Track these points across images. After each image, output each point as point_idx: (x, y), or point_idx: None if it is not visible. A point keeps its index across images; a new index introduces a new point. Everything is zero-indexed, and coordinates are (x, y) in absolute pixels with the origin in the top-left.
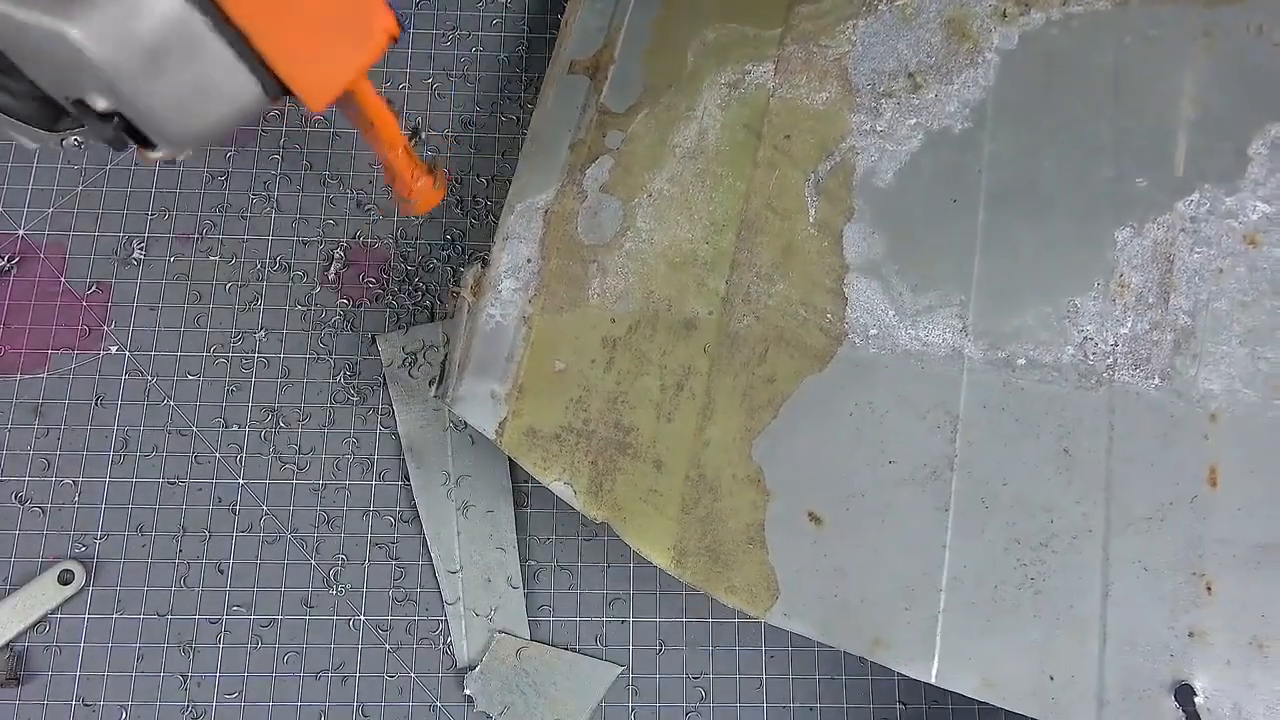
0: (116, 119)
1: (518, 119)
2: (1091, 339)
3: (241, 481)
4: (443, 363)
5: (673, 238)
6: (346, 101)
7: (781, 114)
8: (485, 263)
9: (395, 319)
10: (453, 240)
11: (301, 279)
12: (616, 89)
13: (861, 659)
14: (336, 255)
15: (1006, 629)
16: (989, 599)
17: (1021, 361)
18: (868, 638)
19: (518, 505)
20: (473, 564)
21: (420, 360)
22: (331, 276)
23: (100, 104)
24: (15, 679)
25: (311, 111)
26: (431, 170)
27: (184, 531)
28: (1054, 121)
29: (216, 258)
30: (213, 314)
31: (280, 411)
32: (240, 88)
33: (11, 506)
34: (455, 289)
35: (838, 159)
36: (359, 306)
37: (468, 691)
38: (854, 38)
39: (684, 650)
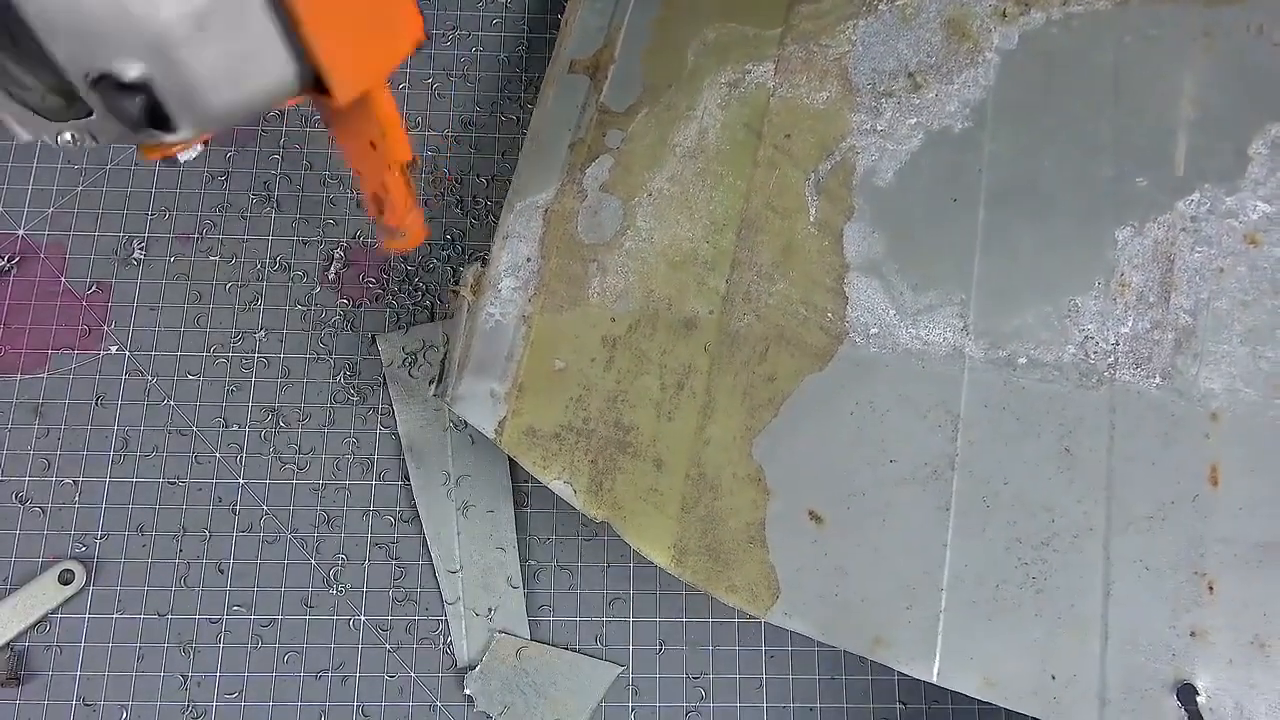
0: (142, 96)
1: (518, 119)
2: (1092, 338)
3: (241, 481)
4: (442, 361)
5: (673, 237)
6: (358, 107)
7: (782, 113)
8: (485, 262)
9: (395, 319)
10: (453, 240)
11: (301, 279)
12: (616, 88)
13: (861, 659)
14: (336, 255)
15: (1008, 628)
16: (990, 598)
17: (1022, 360)
18: (869, 637)
19: (518, 505)
20: (473, 564)
21: (420, 360)
22: (331, 276)
23: (132, 72)
24: (15, 679)
25: (335, 103)
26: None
27: (184, 531)
28: (1054, 121)
29: (216, 258)
30: (213, 314)
31: (280, 411)
32: (277, 68)
33: (11, 506)
34: (455, 288)
35: (838, 158)
36: (359, 306)
37: (468, 691)
38: (854, 37)
39: (684, 650)
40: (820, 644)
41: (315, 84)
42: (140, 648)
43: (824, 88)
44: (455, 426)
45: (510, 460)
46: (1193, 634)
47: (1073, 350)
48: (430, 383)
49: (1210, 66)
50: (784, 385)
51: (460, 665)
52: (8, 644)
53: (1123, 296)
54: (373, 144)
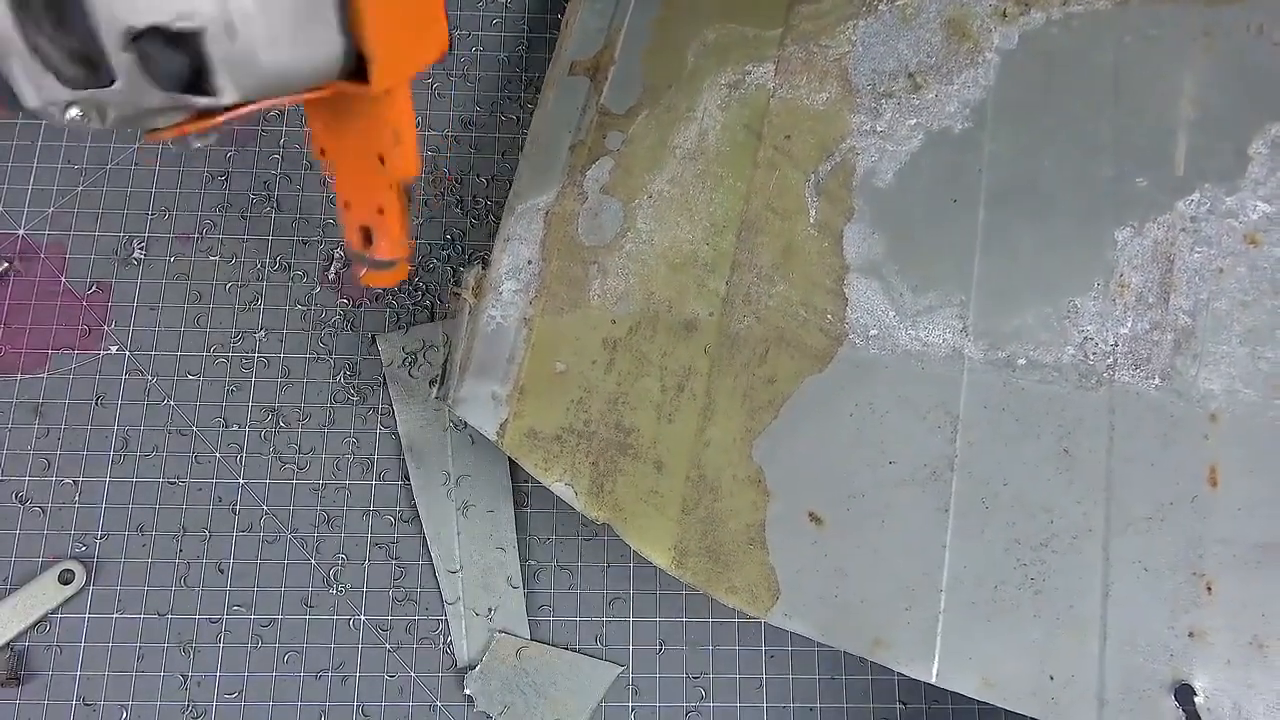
0: (187, 53)
1: (518, 119)
2: (1092, 339)
3: (241, 481)
4: (443, 364)
5: (673, 239)
6: (373, 113)
7: (782, 114)
8: (486, 264)
9: (395, 319)
10: (453, 240)
11: (301, 279)
12: (617, 90)
13: (861, 659)
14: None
15: (1007, 629)
16: (989, 599)
17: (1022, 362)
18: (868, 638)
19: (518, 505)
20: (473, 564)
21: (420, 360)
22: (331, 276)
23: (191, 21)
24: (15, 679)
25: (371, 90)
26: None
27: (184, 531)
28: (1054, 121)
29: (216, 258)
30: (213, 314)
31: (280, 411)
32: (327, 42)
33: (12, 506)
34: (456, 290)
35: (838, 159)
36: (359, 306)
37: (468, 691)
38: (854, 38)
39: (684, 650)
40: (820, 644)
41: (350, 75)
42: (140, 648)
43: (824, 88)
44: (455, 426)
45: (510, 460)
46: (1191, 635)
47: (1072, 351)
48: (431, 384)
49: (1210, 66)
50: (784, 387)
51: (460, 665)
52: (8, 644)
53: (1122, 297)
54: (381, 158)
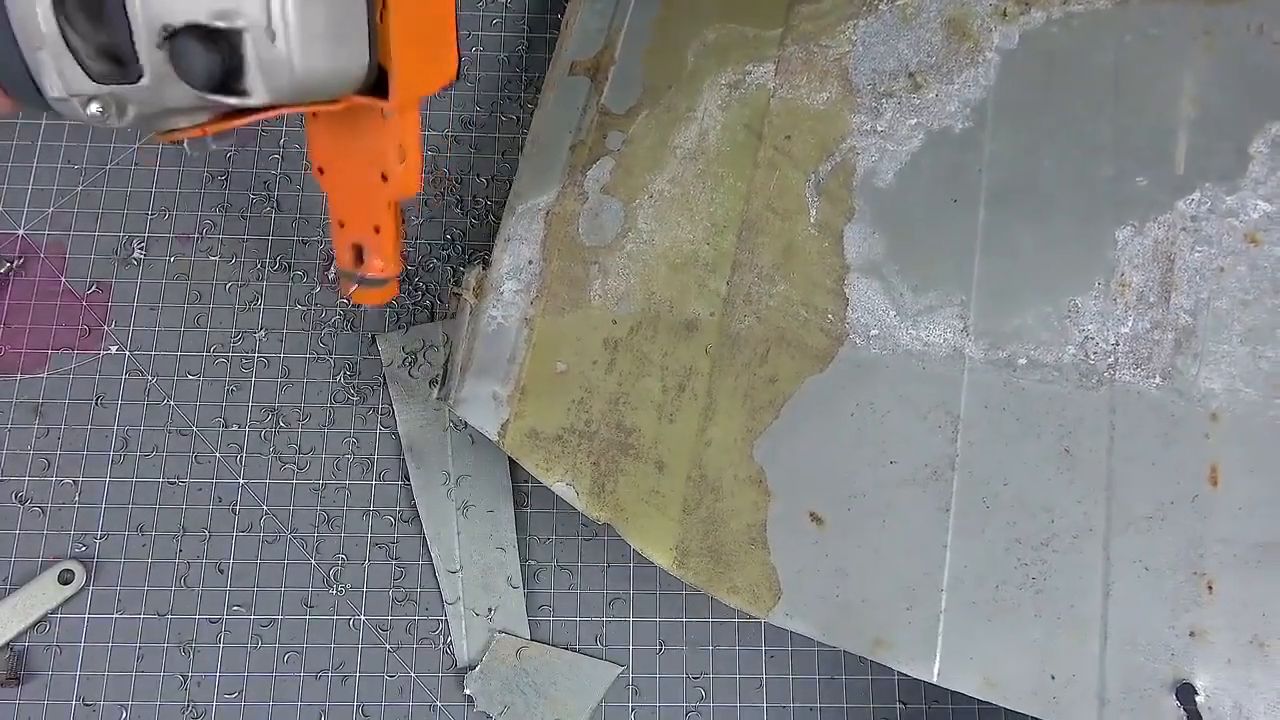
0: (222, 52)
1: (518, 119)
2: (1092, 338)
3: (241, 481)
4: (444, 364)
5: (674, 239)
6: (382, 128)
7: (782, 114)
8: (486, 264)
9: (395, 319)
10: (453, 240)
11: (301, 279)
12: (617, 90)
13: (861, 659)
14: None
15: (1008, 628)
16: (990, 599)
17: (1022, 361)
18: (869, 638)
19: (518, 505)
20: (473, 564)
21: (420, 360)
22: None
23: (232, 20)
24: (15, 679)
25: (392, 105)
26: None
27: (184, 531)
28: (1054, 121)
29: (216, 258)
30: (213, 314)
31: (280, 411)
32: (355, 53)
33: (11, 506)
34: (456, 290)
35: (838, 159)
36: (359, 306)
37: (468, 691)
38: (854, 38)
39: (684, 650)
40: (820, 644)
41: (369, 90)
42: (140, 648)
43: (824, 88)
44: (455, 426)
45: (510, 460)
46: (1192, 634)
47: (1073, 351)
48: (431, 384)
49: (1211, 65)
50: (785, 387)
51: (460, 665)
52: (8, 644)
53: (1123, 296)
54: (384, 176)
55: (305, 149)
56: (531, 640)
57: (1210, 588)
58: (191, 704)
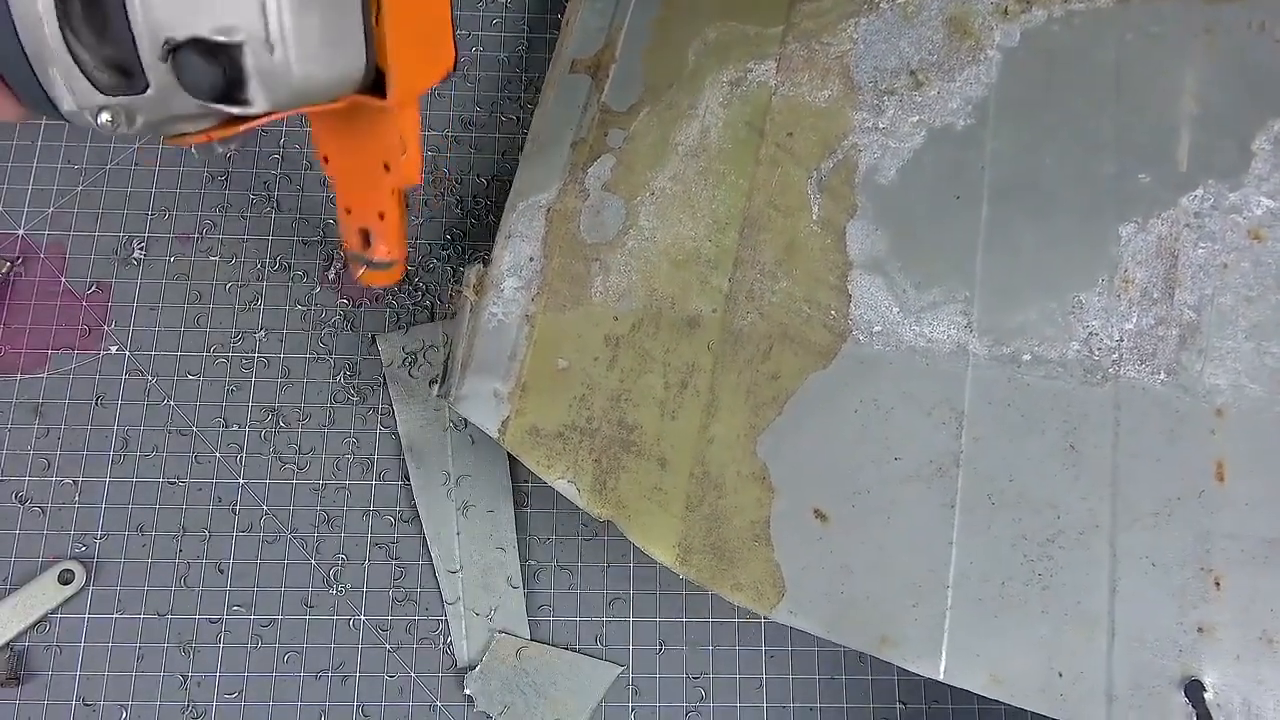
0: (224, 65)
1: (518, 119)
2: (1096, 334)
3: (241, 481)
4: (444, 361)
5: (675, 235)
6: (383, 123)
7: (784, 112)
8: (487, 261)
9: (395, 319)
10: (453, 240)
11: (301, 279)
12: (618, 88)
13: (861, 658)
14: (336, 255)
15: (1014, 625)
16: (996, 595)
17: (1026, 357)
18: (875, 635)
19: (518, 505)
20: (473, 564)
21: (420, 360)
22: (331, 276)
23: (230, 35)
24: (15, 679)
25: (390, 103)
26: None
27: (184, 531)
28: (1056, 118)
29: (216, 258)
30: (213, 314)
31: (280, 411)
32: (352, 56)
33: (11, 506)
34: (457, 288)
35: (840, 156)
36: (359, 306)
37: (468, 691)
38: (855, 35)
39: (684, 650)
40: (820, 644)
41: (368, 89)
42: (140, 648)
43: (826, 86)
44: (455, 426)
45: (510, 460)
46: (1200, 630)
47: (1077, 347)
48: (432, 383)
49: (1212, 63)
50: (788, 383)
51: (460, 665)
52: (8, 644)
53: (1126, 293)
54: (386, 166)
55: (306, 147)
56: (531, 640)
57: (1218, 584)
58: (191, 704)
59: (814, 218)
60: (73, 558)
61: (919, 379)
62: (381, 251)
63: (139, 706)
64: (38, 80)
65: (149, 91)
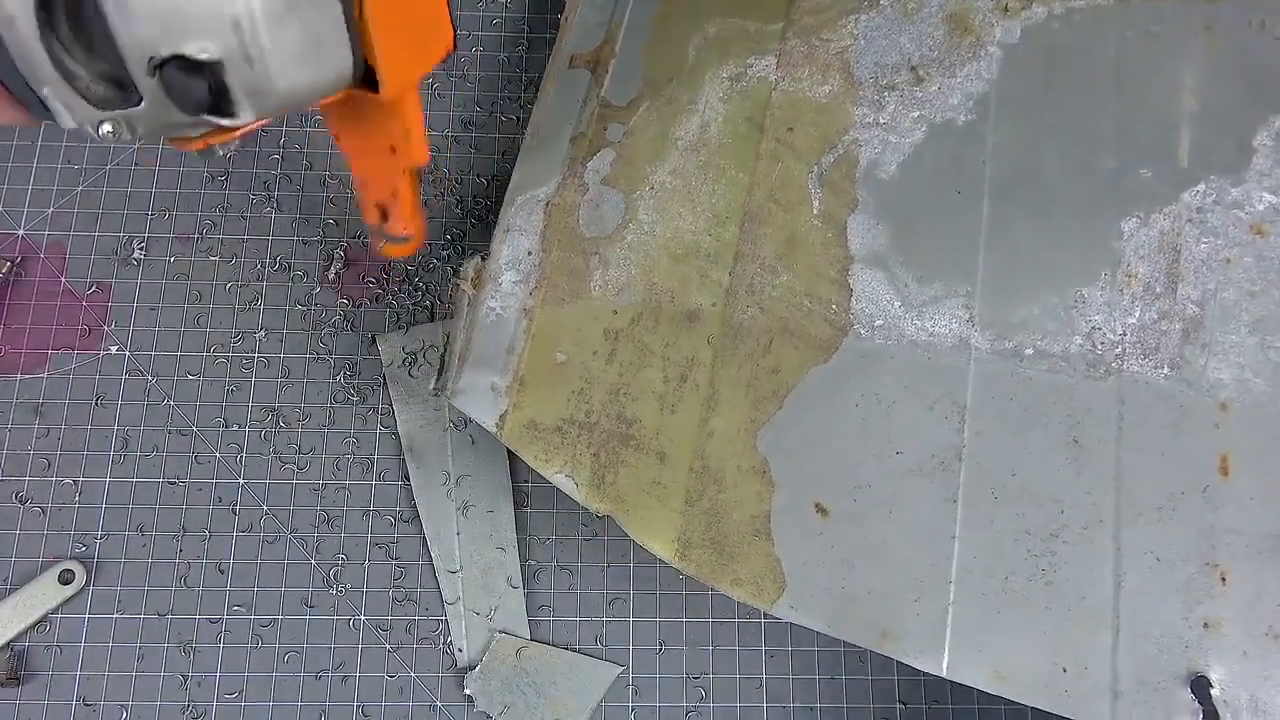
0: (208, 79)
1: (518, 119)
2: (1099, 329)
3: (241, 481)
4: (442, 355)
5: (675, 230)
6: (384, 110)
7: (784, 107)
8: (485, 255)
9: (395, 319)
10: (453, 240)
11: (301, 279)
12: (618, 82)
13: (861, 658)
14: (336, 255)
15: (1017, 621)
16: (999, 590)
17: (1029, 352)
18: (876, 630)
19: (518, 505)
20: (473, 564)
21: (420, 360)
22: (331, 276)
23: (208, 53)
24: (15, 679)
25: (382, 97)
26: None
27: (184, 531)
28: (1057, 114)
29: (216, 258)
30: (213, 314)
31: (280, 411)
32: (338, 57)
33: (11, 506)
34: (455, 281)
35: (841, 151)
36: (359, 306)
37: (468, 691)
38: (856, 32)
39: (684, 650)
40: (821, 644)
41: (360, 81)
42: (140, 648)
43: (826, 81)
44: (455, 426)
45: (510, 460)
46: (1206, 625)
47: (1079, 341)
48: (431, 377)
49: (1212, 61)
50: (788, 377)
51: (460, 665)
52: (8, 644)
53: (1129, 287)
54: (393, 148)
55: (306, 147)
56: (531, 640)
57: (1224, 579)
58: (191, 704)
59: (815, 212)
60: (73, 558)
61: (920, 373)
62: (398, 227)
63: (139, 706)
64: (37, 96)
65: (143, 105)
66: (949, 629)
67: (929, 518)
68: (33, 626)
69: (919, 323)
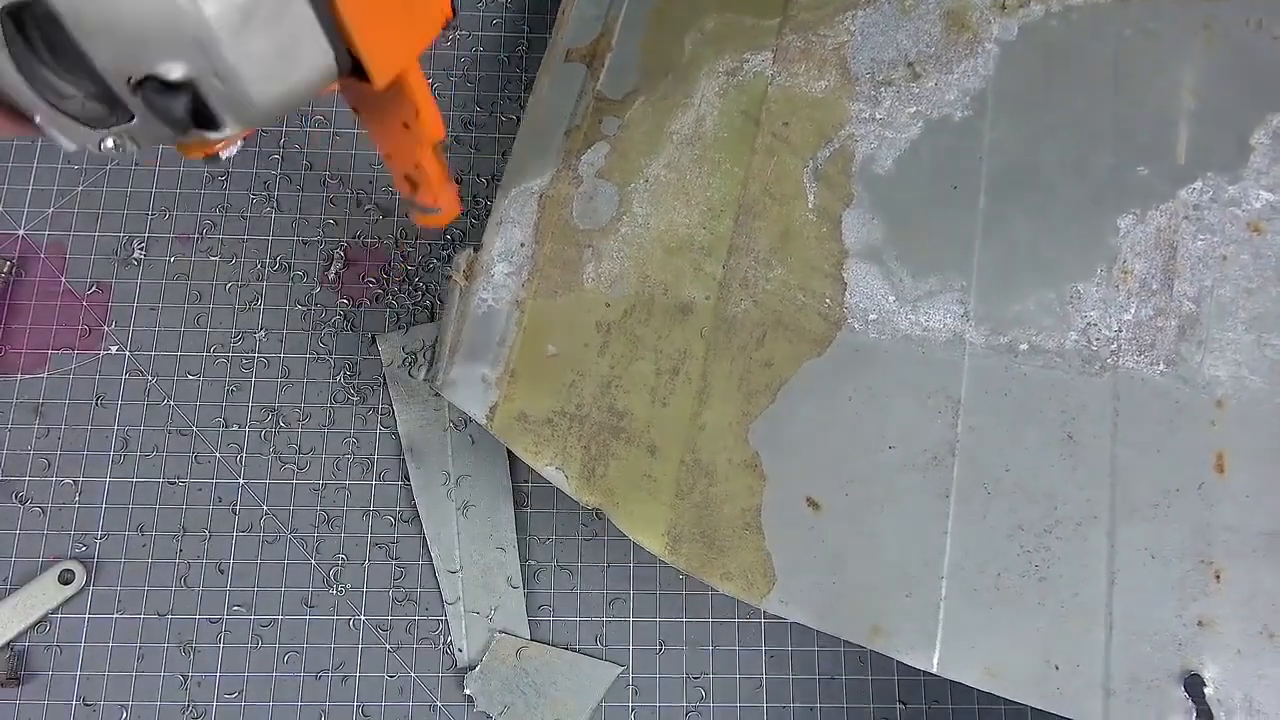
0: (187, 96)
1: (518, 119)
2: (1095, 325)
3: (241, 481)
4: (433, 346)
5: (669, 223)
6: (391, 89)
7: (780, 101)
8: (478, 247)
9: (395, 319)
10: (453, 240)
11: (301, 279)
12: (613, 76)
13: (861, 659)
14: (336, 255)
15: (1010, 617)
16: (991, 586)
17: (1024, 347)
18: (867, 625)
19: (518, 505)
20: (473, 564)
21: (420, 360)
22: (331, 276)
23: (177, 72)
24: (15, 679)
25: (374, 87)
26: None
27: (184, 531)
28: (1054, 111)
29: (216, 258)
30: (213, 314)
31: (280, 411)
32: (317, 56)
33: (11, 506)
34: (447, 273)
35: (837, 146)
36: (359, 306)
37: (468, 691)
38: (853, 28)
39: (684, 650)
40: (821, 644)
41: (352, 70)
42: (140, 648)
43: (823, 76)
44: (455, 426)
45: (510, 460)
46: (1200, 624)
47: (1075, 337)
48: (422, 368)
49: (1210, 59)
50: (781, 371)
51: (460, 665)
52: (8, 644)
53: (1125, 283)
54: (406, 125)
55: (306, 147)
56: (531, 640)
57: (1218, 577)
58: (191, 704)
59: (809, 206)
60: (73, 558)
61: (914, 367)
62: (427, 199)
63: (139, 706)
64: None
65: (135, 121)
66: (940, 625)
67: (921, 513)
68: (33, 626)
69: (913, 317)
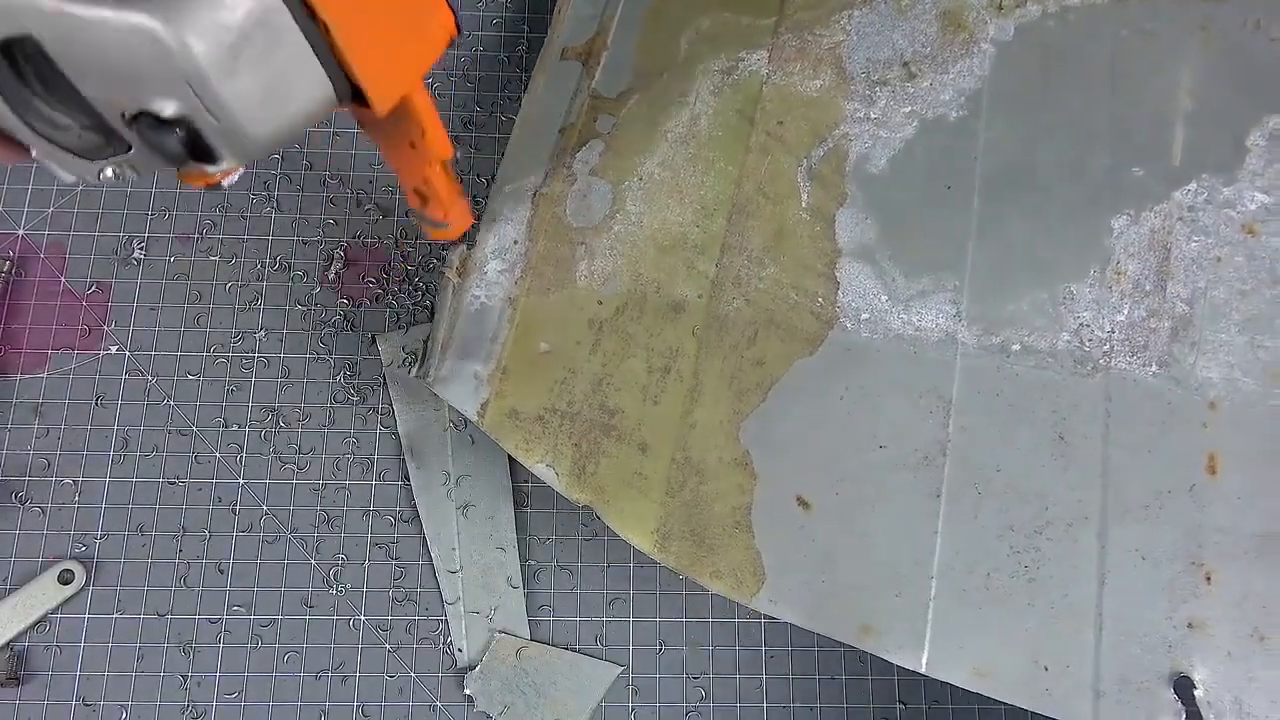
0: (182, 130)
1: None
2: (1087, 325)
3: (241, 481)
4: (425, 342)
5: (662, 221)
6: (397, 111)
7: (775, 100)
8: (471, 244)
9: (395, 319)
10: (453, 240)
11: (301, 279)
12: (608, 75)
13: (861, 659)
14: (336, 255)
15: (999, 618)
16: (981, 587)
17: (1016, 347)
18: (856, 625)
19: (518, 505)
20: (473, 564)
21: (413, 356)
22: (331, 276)
23: (169, 110)
24: (15, 679)
25: (376, 114)
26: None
27: (184, 531)
28: (1050, 111)
29: (216, 258)
30: (213, 314)
31: (280, 411)
32: (313, 87)
33: (11, 506)
34: (440, 269)
35: (831, 145)
36: (359, 306)
37: (468, 691)
38: (849, 27)
39: (684, 650)
40: (821, 644)
41: (353, 96)
42: (140, 648)
43: (818, 76)
44: (455, 426)
45: (510, 460)
46: (1190, 625)
47: (1067, 337)
48: (414, 364)
49: (1207, 60)
50: (773, 369)
51: (460, 665)
52: (8, 644)
53: (1118, 284)
54: (412, 144)
55: (306, 147)
56: (531, 640)
57: (1209, 578)
58: (191, 704)
59: (803, 205)
60: (73, 558)
61: (906, 367)
62: (437, 214)
63: (139, 706)
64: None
65: (132, 151)
66: (929, 625)
67: (912, 512)
68: (33, 626)
69: (905, 317)
